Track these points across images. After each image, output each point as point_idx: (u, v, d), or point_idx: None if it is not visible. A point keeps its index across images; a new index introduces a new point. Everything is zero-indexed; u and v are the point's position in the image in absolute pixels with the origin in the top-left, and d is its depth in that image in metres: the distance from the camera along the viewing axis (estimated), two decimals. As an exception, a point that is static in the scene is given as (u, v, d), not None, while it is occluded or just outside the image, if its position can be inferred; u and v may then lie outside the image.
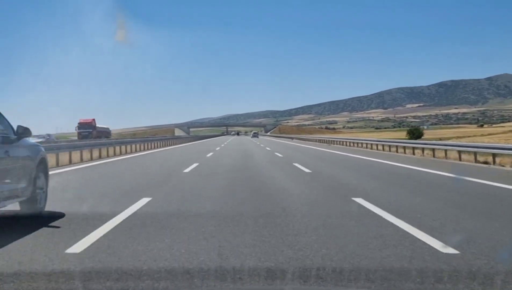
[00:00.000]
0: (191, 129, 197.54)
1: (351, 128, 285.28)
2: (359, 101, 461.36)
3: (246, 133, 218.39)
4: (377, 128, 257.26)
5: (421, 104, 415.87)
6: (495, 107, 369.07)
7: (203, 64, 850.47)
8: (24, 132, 6.03)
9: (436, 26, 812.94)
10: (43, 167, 6.45)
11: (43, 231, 5.17)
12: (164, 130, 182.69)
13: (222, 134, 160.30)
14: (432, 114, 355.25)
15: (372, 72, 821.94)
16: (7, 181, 5.39)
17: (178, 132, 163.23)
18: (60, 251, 4.25)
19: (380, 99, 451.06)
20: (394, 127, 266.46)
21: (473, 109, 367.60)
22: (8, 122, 5.99)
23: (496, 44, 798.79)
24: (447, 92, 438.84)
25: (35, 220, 5.74)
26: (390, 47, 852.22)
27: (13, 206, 5.92)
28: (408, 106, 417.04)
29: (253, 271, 3.70)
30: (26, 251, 4.32)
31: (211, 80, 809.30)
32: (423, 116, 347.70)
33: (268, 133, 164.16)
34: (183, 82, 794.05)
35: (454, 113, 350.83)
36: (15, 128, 5.97)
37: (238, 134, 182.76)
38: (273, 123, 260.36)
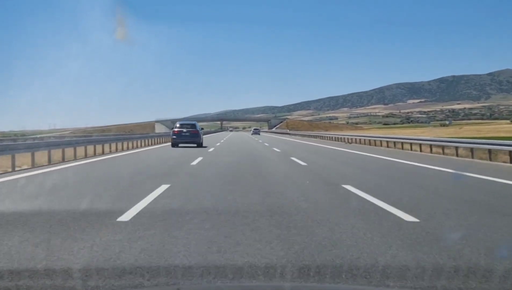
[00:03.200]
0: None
1: (356, 124, 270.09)
2: (359, 97, 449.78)
3: (244, 129, 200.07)
4: (385, 124, 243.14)
5: (423, 100, 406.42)
6: (499, 102, 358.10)
7: (201, 61, 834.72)
8: (201, 129, 31.08)
9: (435, 20, 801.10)
10: (203, 135, 32.04)
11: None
12: (142, 126, 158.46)
13: (216, 131, 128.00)
14: (437, 109, 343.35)
15: (372, 68, 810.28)
16: (202, 137, 30.23)
17: (159, 128, 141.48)
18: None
19: (380, 95, 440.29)
20: (403, 123, 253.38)
21: (477, 105, 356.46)
22: (198, 125, 29.31)
23: (497, 39, 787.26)
24: (448, 87, 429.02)
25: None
26: (390, 42, 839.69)
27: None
28: (409, 101, 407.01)
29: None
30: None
31: (209, 76, 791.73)
32: (429, 111, 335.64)
33: (274, 129, 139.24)
34: (181, 78, 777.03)
35: (460, 109, 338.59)
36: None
37: (231, 130, 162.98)
38: (278, 118, 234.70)
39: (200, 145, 28.02)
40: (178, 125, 28.40)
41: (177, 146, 27.27)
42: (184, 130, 27.74)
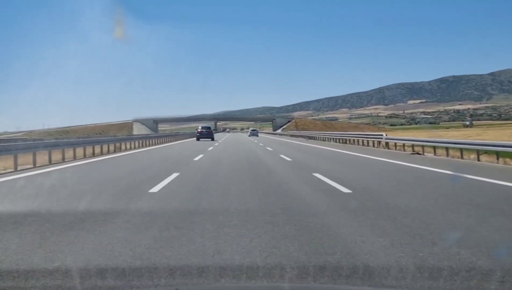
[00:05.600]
0: (160, 126, 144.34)
1: (360, 124, 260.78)
2: (359, 97, 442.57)
3: (242, 130, 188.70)
4: (391, 125, 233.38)
5: (423, 100, 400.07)
6: (501, 103, 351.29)
7: (198, 61, 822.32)
8: (214, 129, 58.74)
9: (435, 20, 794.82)
10: (213, 133, 52.13)
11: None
12: (119, 126, 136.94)
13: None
14: (441, 110, 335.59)
15: (371, 68, 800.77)
16: (214, 135, 51.22)
17: (137, 129, 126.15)
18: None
19: (380, 95, 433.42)
20: (410, 124, 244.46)
21: (479, 105, 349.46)
22: (212, 127, 54.59)
23: (498, 39, 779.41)
24: (449, 88, 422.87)
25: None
26: (389, 42, 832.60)
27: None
28: (410, 102, 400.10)
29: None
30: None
31: (206, 77, 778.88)
32: (432, 112, 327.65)
33: (280, 131, 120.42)
34: (179, 79, 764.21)
35: (464, 109, 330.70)
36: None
37: (228, 131, 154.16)
38: (284, 116, 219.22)
39: (213, 139, 46.91)
40: (200, 127, 49.44)
41: (199, 140, 45.19)
42: (204, 130, 48.37)
